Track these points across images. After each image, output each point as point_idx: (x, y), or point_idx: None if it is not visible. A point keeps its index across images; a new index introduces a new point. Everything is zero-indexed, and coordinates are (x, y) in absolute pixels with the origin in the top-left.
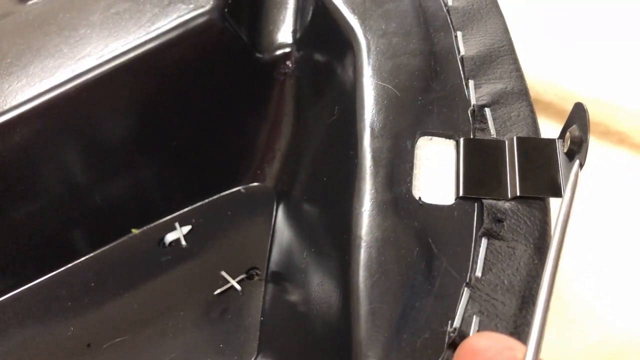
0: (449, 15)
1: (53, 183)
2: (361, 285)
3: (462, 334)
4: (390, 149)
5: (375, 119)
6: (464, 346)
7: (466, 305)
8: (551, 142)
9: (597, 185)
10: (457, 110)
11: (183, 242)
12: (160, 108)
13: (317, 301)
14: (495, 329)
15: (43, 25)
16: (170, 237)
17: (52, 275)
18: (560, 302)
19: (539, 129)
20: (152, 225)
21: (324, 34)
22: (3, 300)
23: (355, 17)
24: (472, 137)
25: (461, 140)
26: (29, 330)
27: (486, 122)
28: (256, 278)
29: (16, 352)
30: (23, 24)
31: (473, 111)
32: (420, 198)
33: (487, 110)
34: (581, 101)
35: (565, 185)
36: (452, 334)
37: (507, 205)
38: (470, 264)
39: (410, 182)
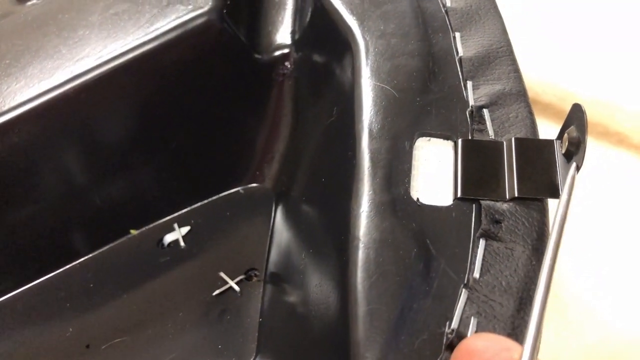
0: (448, 16)
1: (52, 184)
2: (359, 286)
3: (460, 335)
4: (389, 150)
5: (374, 119)
6: (462, 347)
7: (464, 307)
8: (549, 143)
9: (596, 186)
10: (455, 111)
11: (182, 243)
12: (159, 109)
13: (316, 302)
14: (493, 330)
15: (42, 26)
16: (169, 238)
17: (51, 276)
18: (558, 302)
19: (537, 130)
20: (151, 226)
21: (323, 35)
22: (2, 301)
23: (354, 18)
24: (470, 138)
25: (459, 141)
26: (27, 331)
27: (484, 123)
28: (255, 279)
29: (15, 353)
30: (22, 24)
31: (471, 112)
32: (418, 199)
33: (486, 111)
34: (580, 102)
35: (563, 186)
36: (449, 335)
37: (505, 206)
38: (468, 265)
39: (409, 183)
